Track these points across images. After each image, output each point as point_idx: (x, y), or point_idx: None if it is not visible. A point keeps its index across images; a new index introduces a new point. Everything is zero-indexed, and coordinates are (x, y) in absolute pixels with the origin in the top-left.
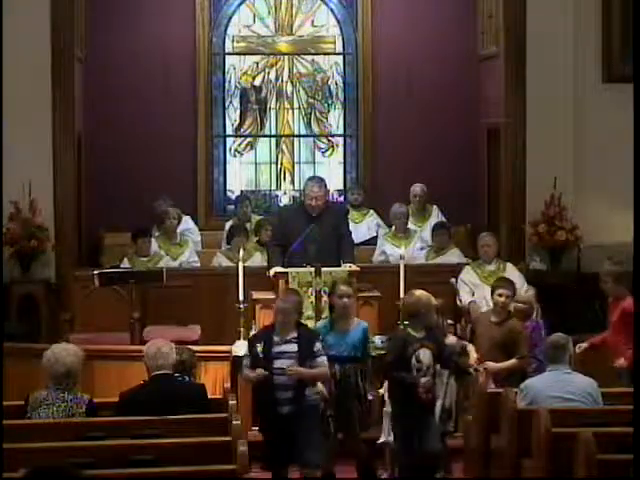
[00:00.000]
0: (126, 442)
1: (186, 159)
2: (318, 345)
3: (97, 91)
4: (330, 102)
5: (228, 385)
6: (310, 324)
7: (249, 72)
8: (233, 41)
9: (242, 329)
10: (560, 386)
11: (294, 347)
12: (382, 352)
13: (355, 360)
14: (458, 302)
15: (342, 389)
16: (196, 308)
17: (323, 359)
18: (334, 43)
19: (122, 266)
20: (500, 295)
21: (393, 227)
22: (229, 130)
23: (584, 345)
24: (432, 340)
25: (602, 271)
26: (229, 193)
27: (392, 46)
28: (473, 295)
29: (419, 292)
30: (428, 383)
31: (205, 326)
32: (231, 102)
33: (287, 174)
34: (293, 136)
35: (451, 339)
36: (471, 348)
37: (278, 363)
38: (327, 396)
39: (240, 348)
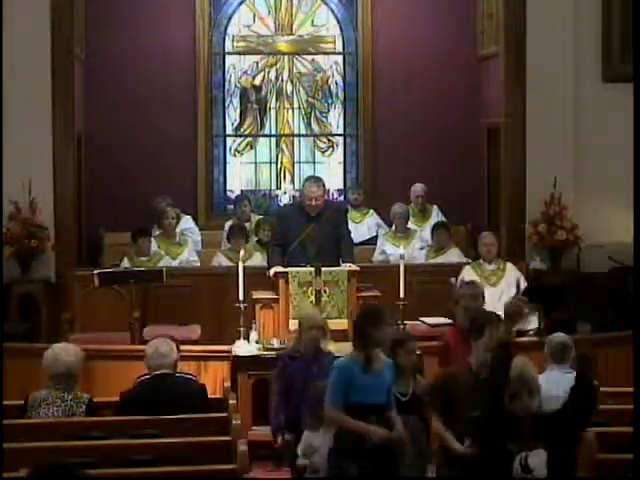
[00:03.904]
0: (126, 442)
1: (186, 159)
2: None
3: (97, 90)
4: (330, 102)
5: (228, 385)
6: None
7: (249, 72)
8: (233, 41)
9: (242, 329)
10: (560, 386)
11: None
12: None
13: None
14: None
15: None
16: (196, 308)
17: None
18: (334, 43)
19: (122, 266)
20: None
21: (393, 227)
22: (229, 130)
23: None
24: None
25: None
26: (229, 193)
27: (392, 46)
28: None
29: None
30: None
31: (205, 326)
32: (231, 102)
33: (287, 174)
34: (293, 136)
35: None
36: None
37: None
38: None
39: (240, 348)
